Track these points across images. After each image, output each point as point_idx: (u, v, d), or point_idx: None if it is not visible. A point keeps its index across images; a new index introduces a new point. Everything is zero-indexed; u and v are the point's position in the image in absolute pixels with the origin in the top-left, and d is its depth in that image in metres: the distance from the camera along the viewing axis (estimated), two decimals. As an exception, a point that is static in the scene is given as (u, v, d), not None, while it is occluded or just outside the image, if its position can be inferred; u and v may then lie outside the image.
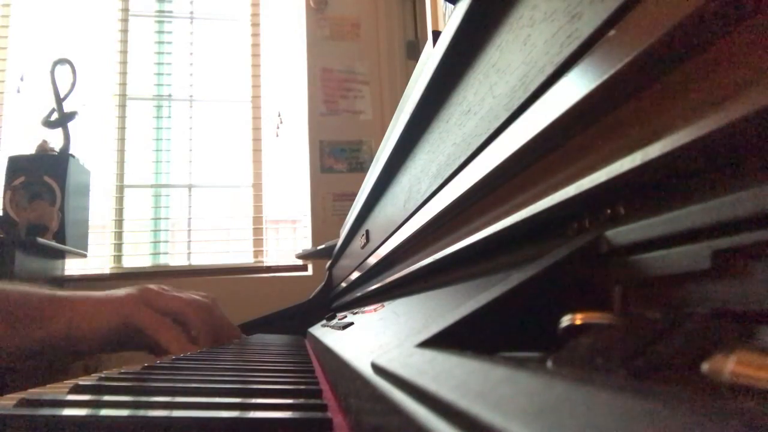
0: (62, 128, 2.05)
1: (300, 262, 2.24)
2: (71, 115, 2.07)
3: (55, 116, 2.06)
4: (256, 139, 2.40)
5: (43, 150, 1.99)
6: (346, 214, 1.16)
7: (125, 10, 2.40)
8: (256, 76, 2.45)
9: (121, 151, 2.31)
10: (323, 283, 1.39)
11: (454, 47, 0.35)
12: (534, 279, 0.19)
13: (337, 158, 2.33)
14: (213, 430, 0.24)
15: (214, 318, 0.69)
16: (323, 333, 0.67)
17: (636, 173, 0.16)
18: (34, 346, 0.55)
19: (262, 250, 2.32)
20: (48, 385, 0.35)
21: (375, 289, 0.70)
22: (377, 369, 0.20)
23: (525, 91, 0.24)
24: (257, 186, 2.38)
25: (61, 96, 2.06)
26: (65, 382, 0.36)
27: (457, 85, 0.35)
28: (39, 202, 1.87)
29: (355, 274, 0.87)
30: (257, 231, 2.34)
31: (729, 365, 0.10)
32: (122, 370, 0.43)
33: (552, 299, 0.18)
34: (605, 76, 0.17)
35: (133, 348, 0.64)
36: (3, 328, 0.54)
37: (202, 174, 2.38)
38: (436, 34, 0.39)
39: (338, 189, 2.28)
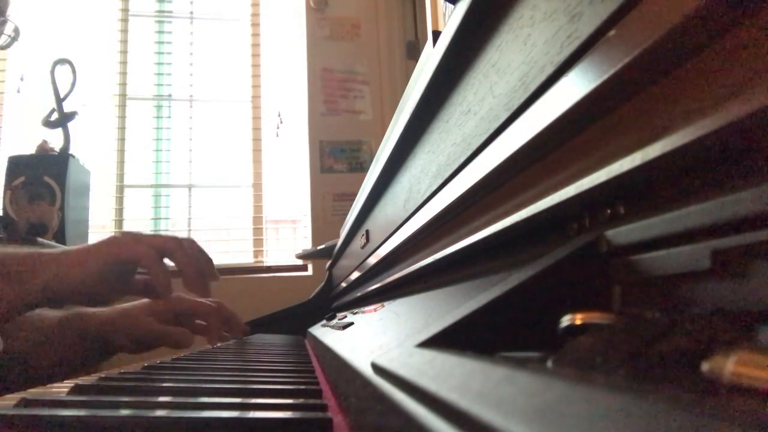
0: (62, 128, 2.05)
1: (300, 262, 2.24)
2: (71, 115, 2.07)
3: (55, 116, 2.06)
4: (256, 139, 2.40)
5: (43, 150, 1.99)
6: (346, 214, 1.16)
7: (125, 10, 2.40)
8: (256, 76, 2.45)
9: (121, 151, 2.31)
10: (323, 283, 1.39)
11: (454, 47, 0.35)
12: (534, 279, 0.19)
13: (337, 158, 2.33)
14: (213, 430, 0.24)
15: (197, 252, 0.73)
16: (323, 333, 0.67)
17: (636, 173, 0.16)
18: (31, 298, 0.57)
19: (262, 250, 2.32)
20: (48, 385, 0.35)
21: (375, 289, 0.70)
22: (377, 369, 0.20)
23: (525, 91, 0.24)
24: (257, 186, 2.38)
25: (61, 96, 2.06)
26: (65, 382, 0.36)
27: (457, 85, 0.35)
28: (39, 202, 1.87)
29: (355, 274, 0.87)
30: (257, 231, 2.34)
31: (729, 365, 0.10)
32: (122, 370, 0.43)
33: (552, 299, 0.18)
34: (605, 76, 0.17)
35: (129, 292, 0.67)
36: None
37: (202, 174, 2.38)
38: (436, 34, 0.39)
39: (338, 189, 2.28)
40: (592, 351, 0.13)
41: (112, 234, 0.70)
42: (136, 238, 0.64)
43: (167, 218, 2.37)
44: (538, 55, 0.23)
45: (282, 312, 1.35)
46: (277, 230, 2.55)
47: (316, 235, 2.19)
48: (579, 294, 0.19)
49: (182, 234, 2.32)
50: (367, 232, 0.76)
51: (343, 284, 1.06)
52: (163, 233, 0.79)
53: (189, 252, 0.70)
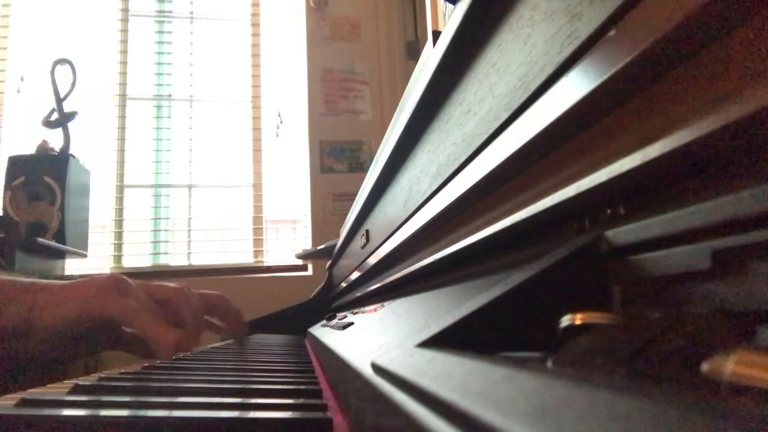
0: (62, 128, 2.05)
1: (300, 262, 2.24)
2: (71, 115, 2.07)
3: (55, 116, 2.06)
4: (256, 139, 2.40)
5: (43, 150, 1.99)
6: (346, 214, 1.16)
7: (125, 10, 2.40)
8: (256, 76, 2.45)
9: (121, 151, 2.31)
10: (323, 283, 1.39)
11: (454, 47, 0.35)
12: (534, 279, 0.19)
13: (337, 158, 2.33)
14: (213, 430, 0.24)
15: (194, 297, 0.62)
16: (323, 333, 0.67)
17: (636, 173, 0.16)
18: None
19: (262, 250, 2.32)
20: (48, 385, 0.35)
21: (375, 289, 0.70)
22: (377, 369, 0.20)
23: (525, 91, 0.24)
24: (257, 186, 2.38)
25: (61, 96, 2.06)
26: (65, 382, 0.36)
27: (457, 85, 0.35)
28: (39, 202, 1.87)
29: (355, 274, 0.87)
30: (257, 231, 2.34)
31: (729, 365, 0.10)
32: (122, 370, 0.43)
33: (552, 299, 0.18)
34: (605, 76, 0.17)
35: (106, 347, 0.58)
36: None
37: (202, 174, 2.38)
38: (436, 34, 0.39)
39: (338, 189, 2.28)
40: (592, 351, 0.13)
41: (96, 281, 0.54)
42: (116, 289, 0.53)
43: (167, 218, 2.37)
44: (538, 55, 0.23)
45: (282, 312, 1.35)
46: (277, 230, 2.55)
47: (316, 235, 2.19)
48: (579, 294, 0.19)
49: (182, 234, 2.32)
50: (367, 232, 0.76)
51: (343, 284, 1.06)
52: (159, 282, 0.60)
53: (190, 302, 0.58)
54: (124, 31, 2.39)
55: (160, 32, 2.45)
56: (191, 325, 0.58)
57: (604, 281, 0.19)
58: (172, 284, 0.61)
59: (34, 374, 0.55)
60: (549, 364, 0.14)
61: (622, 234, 0.18)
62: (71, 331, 0.51)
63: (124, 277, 0.56)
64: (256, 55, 2.47)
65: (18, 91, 2.27)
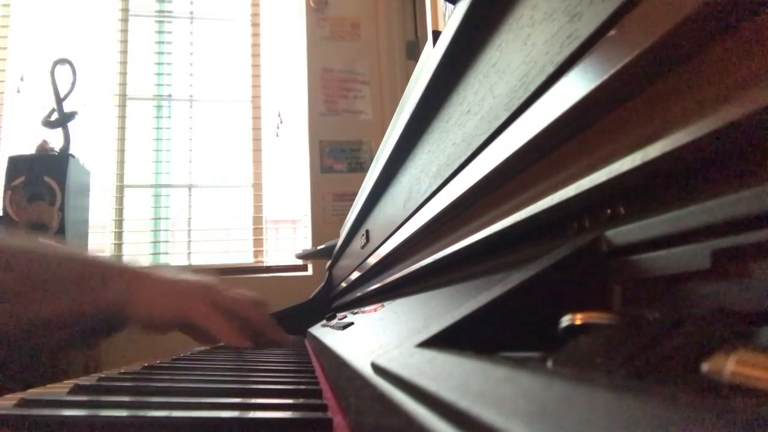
0: (62, 128, 2.05)
1: (300, 262, 2.24)
2: (71, 115, 2.07)
3: (55, 116, 2.06)
4: (256, 139, 2.40)
5: (43, 150, 1.99)
6: (346, 214, 1.16)
7: (125, 10, 2.40)
8: (256, 76, 2.45)
9: (121, 151, 2.31)
10: (323, 283, 1.39)
11: (454, 47, 0.35)
12: (534, 279, 0.19)
13: (337, 158, 2.33)
14: (213, 430, 0.24)
15: (266, 316, 0.72)
16: (323, 333, 0.67)
17: (636, 173, 0.16)
18: (83, 314, 0.52)
19: (262, 250, 2.32)
20: (48, 385, 0.35)
21: (375, 289, 0.70)
22: (377, 369, 0.20)
23: (525, 91, 0.24)
24: (257, 186, 2.37)
25: (61, 96, 2.06)
26: (65, 382, 0.36)
27: (457, 85, 0.35)
28: (39, 202, 1.87)
29: (355, 274, 0.87)
30: (257, 231, 2.34)
31: (729, 365, 0.10)
32: (122, 370, 0.43)
33: (552, 299, 0.18)
34: (605, 76, 0.17)
35: (179, 330, 0.64)
36: (38, 294, 0.49)
37: (202, 174, 2.38)
38: (436, 34, 0.39)
39: (338, 189, 2.28)
40: (592, 351, 0.13)
41: (194, 289, 0.61)
42: (209, 299, 0.60)
43: (167, 218, 2.37)
44: (538, 55, 0.23)
45: (282, 312, 1.35)
46: (277, 230, 2.55)
47: (316, 235, 2.19)
48: (579, 294, 0.19)
49: (182, 234, 2.32)
50: (367, 232, 0.76)
51: (343, 284, 1.06)
52: (242, 294, 0.69)
53: (262, 318, 0.68)
54: (124, 31, 2.39)
55: (160, 32, 2.45)
56: (258, 335, 0.68)
57: (604, 281, 0.19)
58: (250, 296, 0.69)
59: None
60: (549, 364, 0.14)
61: (622, 234, 0.18)
62: (155, 323, 0.58)
63: (216, 285, 0.63)
64: (256, 55, 2.47)
65: (18, 91, 2.27)
